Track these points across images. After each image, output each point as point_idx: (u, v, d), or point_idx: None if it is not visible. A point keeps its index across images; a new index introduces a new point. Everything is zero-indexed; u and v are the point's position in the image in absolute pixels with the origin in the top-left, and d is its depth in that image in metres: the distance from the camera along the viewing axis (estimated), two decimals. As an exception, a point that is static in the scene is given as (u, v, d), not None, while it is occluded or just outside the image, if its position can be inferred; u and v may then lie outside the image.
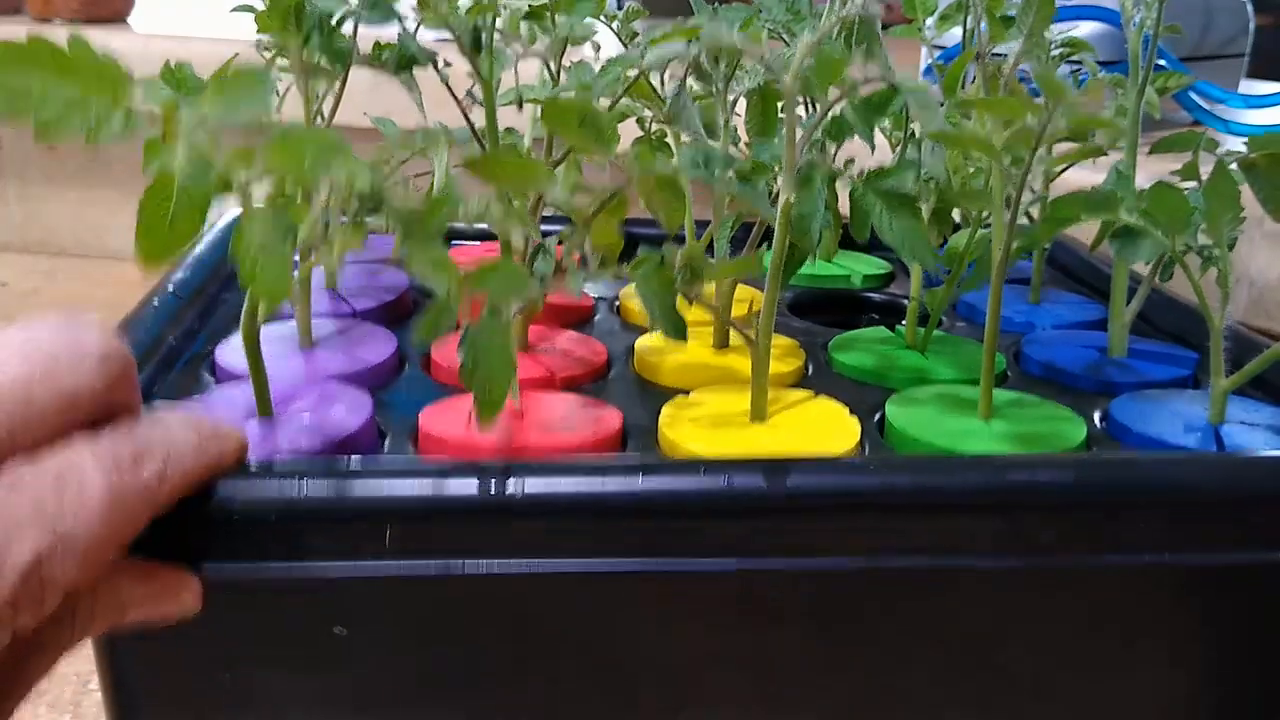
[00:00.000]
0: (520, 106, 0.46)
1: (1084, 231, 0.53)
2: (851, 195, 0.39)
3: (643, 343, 0.50)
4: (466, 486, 0.32)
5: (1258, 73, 0.98)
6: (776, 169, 0.40)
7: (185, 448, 0.29)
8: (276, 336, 0.47)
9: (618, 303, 0.57)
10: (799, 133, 0.37)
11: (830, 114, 0.39)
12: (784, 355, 0.48)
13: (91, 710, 0.53)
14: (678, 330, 0.36)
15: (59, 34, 0.27)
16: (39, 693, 0.53)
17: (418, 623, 0.35)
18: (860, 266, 0.63)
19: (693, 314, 0.42)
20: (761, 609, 0.36)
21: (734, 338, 0.50)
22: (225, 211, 0.59)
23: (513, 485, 0.32)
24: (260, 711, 0.36)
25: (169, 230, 0.27)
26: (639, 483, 0.33)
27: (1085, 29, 0.78)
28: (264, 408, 0.38)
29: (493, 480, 0.32)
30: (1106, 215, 0.42)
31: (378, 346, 0.46)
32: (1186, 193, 0.42)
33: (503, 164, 0.38)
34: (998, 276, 0.41)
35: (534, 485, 0.32)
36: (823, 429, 0.41)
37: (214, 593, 0.31)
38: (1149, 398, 0.45)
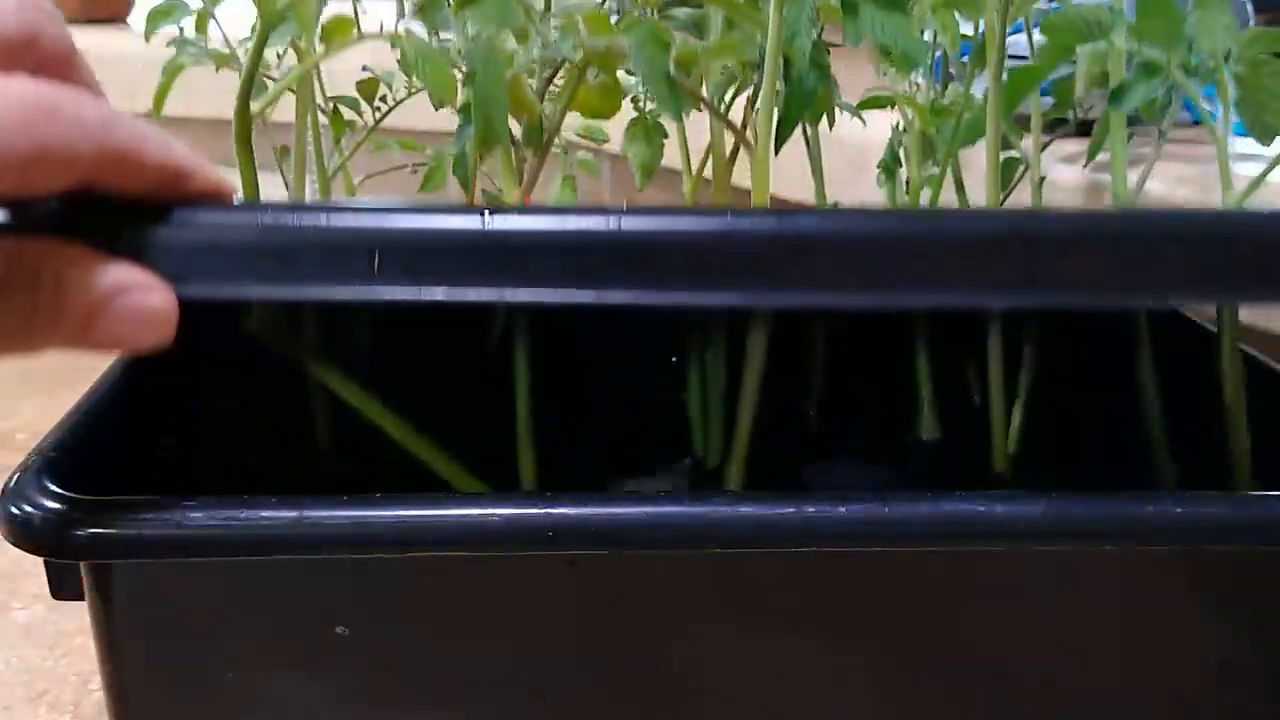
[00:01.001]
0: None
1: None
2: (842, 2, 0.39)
3: None
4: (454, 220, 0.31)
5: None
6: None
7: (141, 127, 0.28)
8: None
9: None
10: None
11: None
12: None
13: (91, 710, 0.52)
14: (671, 96, 0.35)
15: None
16: (39, 693, 0.52)
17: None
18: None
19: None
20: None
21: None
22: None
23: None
24: (264, 710, 0.35)
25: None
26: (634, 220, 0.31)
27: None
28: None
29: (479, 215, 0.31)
30: (1100, 38, 0.42)
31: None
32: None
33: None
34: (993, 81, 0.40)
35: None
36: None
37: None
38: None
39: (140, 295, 0.28)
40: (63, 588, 0.34)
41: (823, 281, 0.31)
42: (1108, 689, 0.37)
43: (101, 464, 0.36)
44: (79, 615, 0.34)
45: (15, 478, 0.32)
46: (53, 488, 0.32)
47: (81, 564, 0.33)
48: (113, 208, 0.28)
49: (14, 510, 0.31)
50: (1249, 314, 0.69)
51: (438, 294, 0.31)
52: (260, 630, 0.34)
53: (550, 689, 0.36)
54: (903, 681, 0.37)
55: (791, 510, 0.32)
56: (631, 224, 0.31)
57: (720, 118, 0.40)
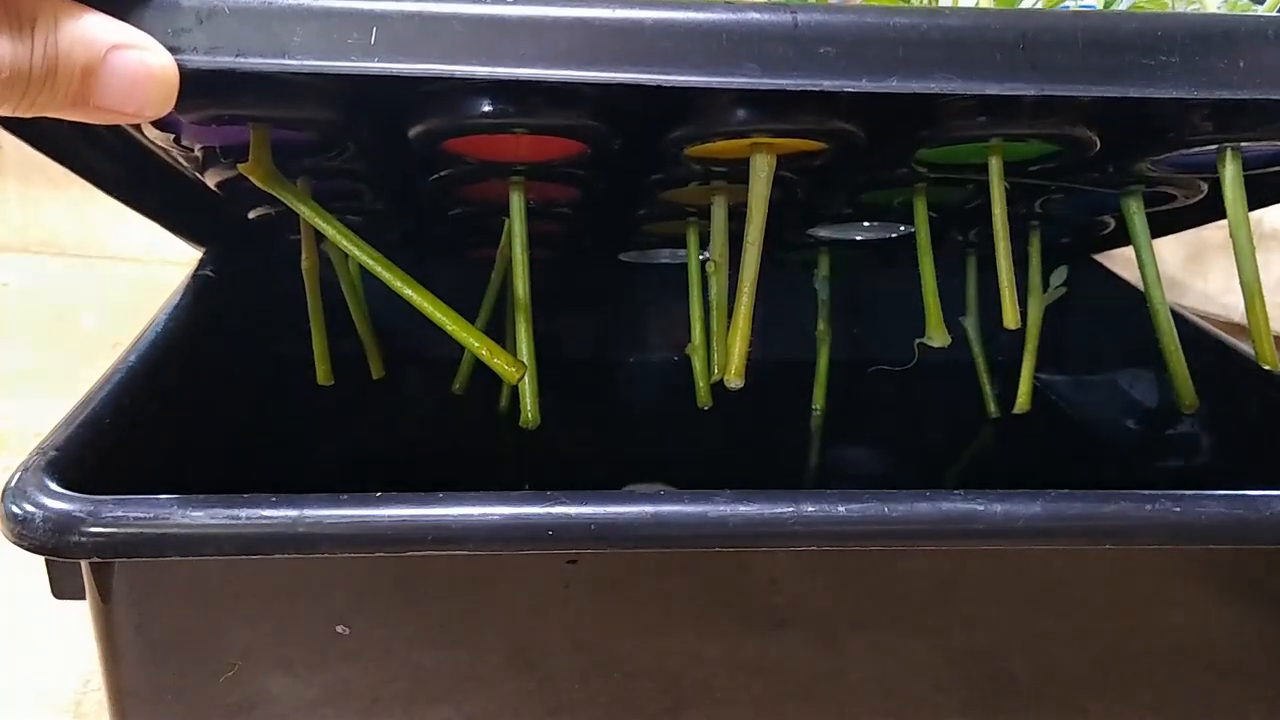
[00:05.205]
0: None
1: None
2: None
3: None
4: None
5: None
6: None
7: None
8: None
9: None
10: None
11: None
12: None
13: (92, 709, 0.52)
14: None
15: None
16: (40, 692, 0.52)
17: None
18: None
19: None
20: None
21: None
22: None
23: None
24: (264, 708, 0.35)
25: None
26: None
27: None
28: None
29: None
30: None
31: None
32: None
33: None
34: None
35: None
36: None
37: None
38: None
39: (139, 53, 0.28)
40: (63, 587, 0.34)
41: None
42: (1105, 686, 0.37)
43: (102, 463, 0.36)
44: (79, 614, 0.34)
45: (16, 477, 0.32)
46: (54, 487, 0.32)
47: (82, 563, 0.33)
48: None
49: (15, 510, 0.31)
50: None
51: (433, 71, 0.31)
52: (260, 629, 0.34)
53: (550, 686, 0.36)
54: (901, 678, 0.37)
55: (790, 510, 0.32)
56: (625, 12, 0.31)
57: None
